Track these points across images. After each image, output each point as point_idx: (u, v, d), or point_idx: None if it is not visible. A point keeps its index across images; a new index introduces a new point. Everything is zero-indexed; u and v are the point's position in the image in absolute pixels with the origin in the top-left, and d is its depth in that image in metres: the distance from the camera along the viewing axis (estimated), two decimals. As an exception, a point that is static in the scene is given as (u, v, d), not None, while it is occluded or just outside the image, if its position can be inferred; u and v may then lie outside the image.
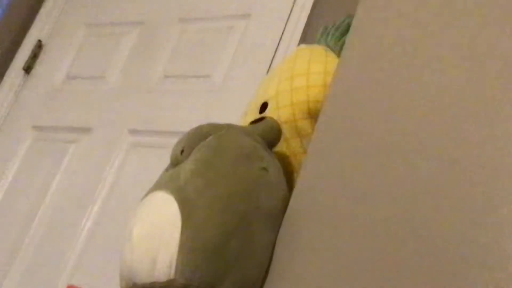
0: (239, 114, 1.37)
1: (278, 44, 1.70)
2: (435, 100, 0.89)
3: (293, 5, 1.73)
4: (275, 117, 1.10)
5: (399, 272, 0.80)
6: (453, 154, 0.83)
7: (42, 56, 2.24)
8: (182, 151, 1.00)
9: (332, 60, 1.15)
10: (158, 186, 0.98)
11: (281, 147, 1.10)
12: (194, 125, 1.06)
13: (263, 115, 1.13)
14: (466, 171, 0.81)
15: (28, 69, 2.23)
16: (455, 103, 0.87)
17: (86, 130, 1.96)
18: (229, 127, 1.04)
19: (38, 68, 2.22)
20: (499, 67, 0.86)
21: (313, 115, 1.09)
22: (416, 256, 0.80)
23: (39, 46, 2.25)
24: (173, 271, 0.88)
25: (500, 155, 0.80)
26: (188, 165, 0.97)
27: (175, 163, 1.01)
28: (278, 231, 0.97)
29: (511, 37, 0.87)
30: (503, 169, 0.79)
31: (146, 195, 0.99)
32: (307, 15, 1.69)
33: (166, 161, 1.07)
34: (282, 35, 1.71)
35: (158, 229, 0.91)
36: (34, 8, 2.32)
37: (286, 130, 1.10)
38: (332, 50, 1.20)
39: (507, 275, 0.73)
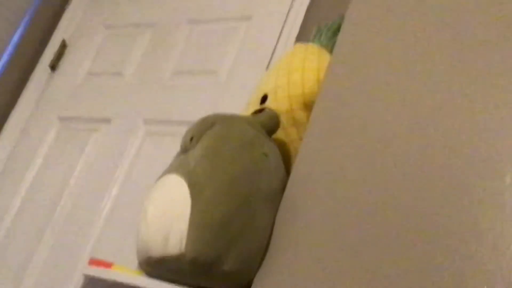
0: (242, 105, 1.36)
1: (277, 43, 1.69)
2: (421, 95, 0.88)
3: (290, 8, 1.72)
4: (274, 108, 1.09)
5: (389, 250, 0.80)
6: (439, 145, 0.83)
7: (66, 55, 2.23)
8: (191, 139, 1.00)
9: (325, 57, 1.15)
10: (170, 170, 0.98)
11: (279, 135, 1.09)
12: (202, 115, 1.06)
13: (263, 106, 1.12)
14: (449, 161, 0.81)
15: (53, 66, 2.22)
16: (441, 98, 0.86)
17: (105, 120, 1.96)
18: (233, 117, 1.03)
19: (62, 66, 2.21)
20: (483, 68, 0.85)
21: (308, 106, 1.08)
22: (406, 236, 0.79)
23: (63, 45, 2.24)
24: (183, 246, 0.87)
25: (478, 149, 0.80)
26: (197, 151, 0.97)
27: (185, 149, 1.01)
28: (277, 211, 0.96)
29: (496, 41, 0.86)
30: (481, 151, 0.79)
31: (159, 178, 0.98)
32: (302, 16, 1.67)
33: (177, 147, 1.07)
34: (280, 35, 1.70)
35: (170, 208, 0.91)
36: (59, 11, 2.31)
37: (284, 120, 1.09)
38: (325, 48, 1.19)
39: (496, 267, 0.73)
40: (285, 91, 1.10)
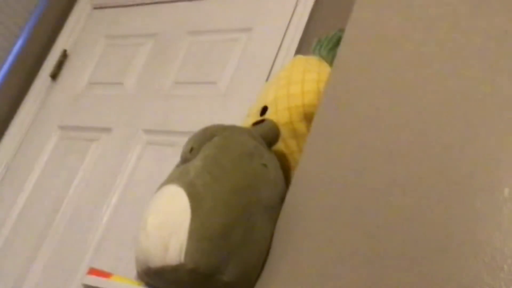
0: (242, 116, 1.36)
1: (277, 55, 1.70)
2: (421, 107, 0.89)
3: (290, 20, 1.73)
4: (274, 120, 1.09)
5: (388, 261, 0.80)
6: (438, 158, 0.83)
7: (67, 64, 2.23)
8: (191, 150, 1.00)
9: (324, 69, 1.15)
10: (170, 180, 0.97)
11: (279, 146, 1.10)
12: (202, 126, 1.06)
13: (263, 117, 1.12)
14: (447, 174, 0.81)
15: (54, 76, 2.22)
16: (440, 111, 0.87)
17: (106, 130, 1.96)
18: (233, 128, 1.04)
19: (63, 75, 2.21)
20: (481, 79, 0.86)
21: (308, 118, 1.09)
22: (404, 248, 0.79)
23: (64, 55, 2.24)
24: (183, 256, 0.87)
25: (477, 162, 0.80)
26: (196, 162, 0.97)
27: (185, 160, 1.01)
28: (276, 221, 0.96)
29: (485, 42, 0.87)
30: (480, 164, 0.79)
31: (159, 188, 0.98)
32: (302, 29, 1.68)
33: (177, 158, 1.07)
34: (280, 47, 1.71)
35: (170, 218, 0.91)
36: (60, 21, 2.32)
37: (283, 131, 1.09)
38: (325, 60, 1.19)
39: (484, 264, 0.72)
40: (285, 102, 1.11)
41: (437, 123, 0.85)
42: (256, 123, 1.10)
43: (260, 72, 1.70)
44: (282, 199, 0.97)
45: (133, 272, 0.98)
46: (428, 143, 0.84)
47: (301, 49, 1.64)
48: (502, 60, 0.84)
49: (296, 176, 0.97)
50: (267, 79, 1.67)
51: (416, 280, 0.75)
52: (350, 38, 1.04)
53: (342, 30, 1.12)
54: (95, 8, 2.29)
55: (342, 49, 1.04)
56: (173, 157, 1.10)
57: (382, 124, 0.91)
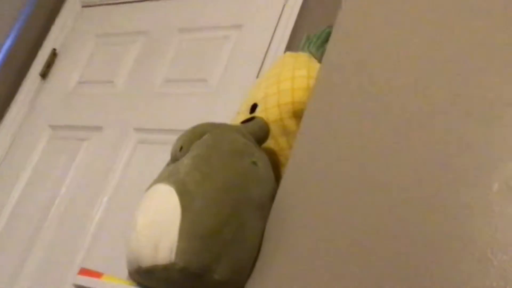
0: (232, 114, 1.36)
1: (267, 52, 1.69)
2: (411, 103, 0.89)
3: (280, 17, 1.72)
4: (264, 117, 1.09)
5: (379, 257, 0.79)
6: (428, 153, 0.83)
7: (57, 63, 2.22)
8: (181, 148, 0.99)
9: (314, 66, 1.15)
10: (160, 179, 0.97)
11: (269, 144, 1.09)
12: (193, 123, 1.05)
13: (253, 115, 1.12)
14: (437, 169, 0.81)
15: (44, 75, 2.21)
16: (431, 106, 0.86)
17: (96, 128, 1.95)
18: (223, 126, 1.03)
19: (53, 74, 2.20)
20: (473, 75, 0.86)
21: (298, 115, 1.08)
22: (395, 243, 0.79)
23: (54, 54, 2.23)
24: (173, 256, 0.87)
25: (466, 157, 0.80)
26: (186, 160, 0.96)
27: (174, 158, 1.00)
28: (267, 219, 0.96)
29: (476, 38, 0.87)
30: (469, 159, 0.79)
31: (149, 187, 0.98)
32: (292, 26, 1.68)
33: (168, 156, 1.06)
34: (270, 44, 1.70)
35: (160, 218, 0.90)
36: (49, 20, 2.31)
37: (273, 129, 1.09)
38: (314, 56, 1.19)
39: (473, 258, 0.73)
40: (274, 100, 1.10)
41: (426, 119, 0.85)
42: (246, 121, 1.09)
43: (250, 70, 1.70)
44: (272, 197, 0.97)
45: (125, 272, 0.98)
46: (418, 139, 0.84)
47: (291, 46, 1.63)
48: (492, 60, 0.84)
49: (287, 174, 0.97)
50: (257, 76, 1.67)
51: (406, 275, 0.75)
52: (339, 35, 1.04)
53: (331, 27, 1.12)
54: (84, 6, 2.28)
55: (331, 46, 1.04)
56: (165, 156, 1.09)
57: (371, 120, 0.91)
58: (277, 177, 1.03)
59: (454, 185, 0.77)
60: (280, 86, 1.12)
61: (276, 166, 1.07)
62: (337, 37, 1.04)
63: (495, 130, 0.78)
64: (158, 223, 0.90)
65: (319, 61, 1.16)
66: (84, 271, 1.01)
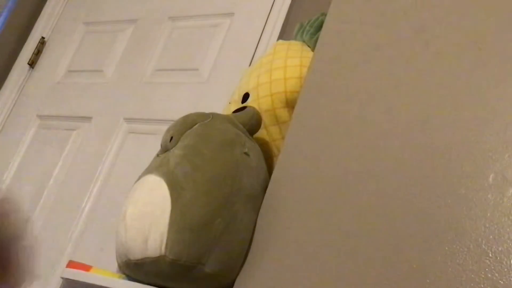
0: (224, 103, 1.35)
1: (259, 40, 1.68)
2: (405, 93, 0.88)
3: (273, 5, 1.71)
4: (256, 107, 1.08)
5: (371, 249, 0.79)
6: (422, 145, 0.82)
7: (45, 52, 2.19)
8: (171, 138, 0.98)
9: (307, 54, 1.14)
10: (150, 170, 0.96)
11: (261, 134, 1.08)
12: (183, 113, 1.04)
13: (245, 104, 1.11)
14: (432, 161, 0.80)
15: (32, 63, 2.18)
16: (426, 97, 0.86)
17: (86, 118, 1.93)
18: (214, 115, 1.02)
19: (41, 63, 2.18)
20: (468, 69, 0.85)
21: (290, 104, 1.07)
22: (387, 234, 0.79)
23: (42, 42, 2.21)
24: (163, 248, 0.86)
25: (462, 149, 0.79)
26: (177, 151, 0.95)
27: (165, 149, 0.99)
28: (258, 211, 0.95)
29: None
30: (465, 150, 0.78)
31: (139, 178, 0.97)
32: (285, 13, 1.66)
33: (158, 146, 1.05)
34: (262, 32, 1.69)
35: (149, 209, 0.89)
36: (38, 8, 2.28)
37: (266, 118, 1.08)
38: (307, 44, 1.18)
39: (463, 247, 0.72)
40: (267, 89, 1.09)
41: (421, 109, 0.84)
42: (238, 110, 1.08)
43: (242, 58, 1.68)
44: (264, 188, 0.96)
45: (115, 264, 0.97)
46: (412, 130, 0.84)
47: (283, 34, 1.62)
48: (482, 62, 0.83)
49: (278, 165, 0.96)
50: (249, 65, 1.65)
51: (400, 267, 0.75)
52: (332, 23, 1.03)
53: (324, 15, 1.11)
54: (73, -7, 2.26)
55: (324, 34, 1.03)
56: (155, 146, 1.08)
57: (366, 111, 0.90)
58: (269, 167, 1.02)
59: (449, 176, 0.77)
60: (272, 75, 1.11)
61: (268, 156, 1.06)
62: (330, 25, 1.03)
63: (491, 122, 0.78)
64: (147, 215, 0.89)
65: (313, 49, 1.15)
66: (72, 264, 1.00)
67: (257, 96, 1.10)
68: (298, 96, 1.03)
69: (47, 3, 2.29)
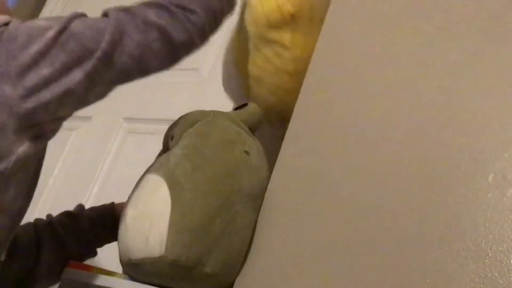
0: (224, 102, 1.35)
1: (259, 39, 1.68)
2: (406, 89, 0.88)
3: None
4: (259, 10, 1.07)
5: (371, 250, 0.79)
6: (422, 143, 0.83)
7: (45, 51, 2.20)
8: (172, 137, 0.99)
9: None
10: (151, 169, 0.96)
11: (255, 56, 1.11)
12: (183, 113, 1.04)
13: (245, 102, 1.11)
14: (432, 159, 0.80)
15: (32, 63, 2.19)
16: (426, 94, 0.86)
17: (86, 118, 1.94)
18: (214, 114, 1.02)
19: (41, 62, 2.18)
20: (468, 66, 0.85)
21: (272, 26, 1.08)
22: (387, 234, 0.79)
23: (42, 42, 2.21)
24: (163, 248, 0.86)
25: (462, 148, 0.79)
26: (177, 150, 0.95)
27: (166, 148, 1.00)
28: (259, 210, 0.96)
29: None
30: (465, 149, 0.78)
31: (140, 178, 0.97)
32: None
33: (159, 146, 1.05)
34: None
35: (149, 209, 0.90)
36: (38, 8, 2.29)
37: (255, 43, 1.09)
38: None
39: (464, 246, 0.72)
40: (248, 16, 1.10)
41: (421, 108, 0.84)
42: (238, 107, 1.08)
43: (242, 58, 1.68)
44: (265, 187, 0.96)
45: (117, 264, 0.97)
46: (412, 129, 0.84)
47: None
48: (482, 62, 0.83)
49: (278, 164, 0.97)
50: (249, 65, 1.65)
51: (398, 267, 0.75)
52: (334, 16, 1.03)
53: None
54: (73, -7, 2.26)
55: (326, 27, 1.03)
56: (155, 146, 1.08)
57: (367, 109, 0.90)
58: (271, 163, 1.01)
59: (449, 176, 0.77)
60: (249, 3, 1.13)
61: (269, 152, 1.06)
62: (332, 19, 1.03)
63: (491, 121, 0.78)
64: (147, 215, 0.89)
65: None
66: (73, 264, 1.01)
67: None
68: (276, 16, 1.03)
69: (47, 3, 2.29)
